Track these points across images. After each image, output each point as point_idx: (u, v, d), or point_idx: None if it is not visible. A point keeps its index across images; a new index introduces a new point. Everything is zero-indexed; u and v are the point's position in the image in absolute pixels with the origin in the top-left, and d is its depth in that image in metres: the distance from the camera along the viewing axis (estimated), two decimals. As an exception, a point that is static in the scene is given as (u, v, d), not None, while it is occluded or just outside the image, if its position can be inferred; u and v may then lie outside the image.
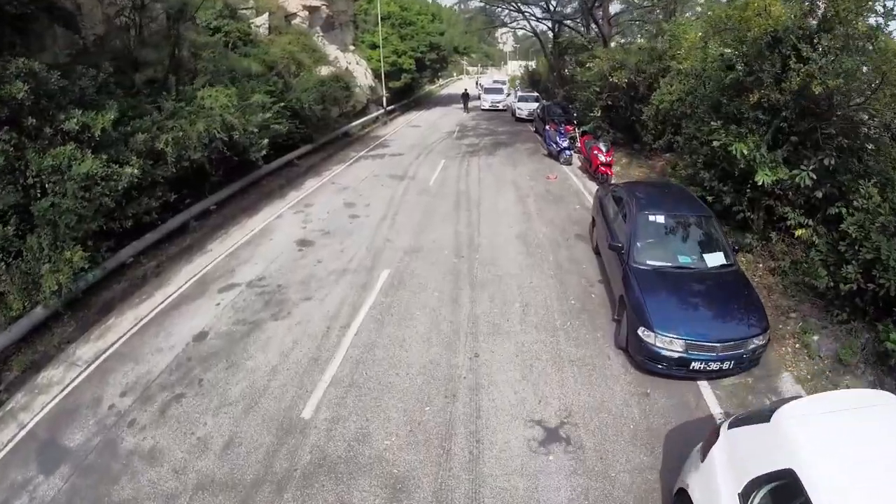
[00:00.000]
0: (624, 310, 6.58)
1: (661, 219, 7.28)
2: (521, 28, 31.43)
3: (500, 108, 35.13)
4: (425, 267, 9.08)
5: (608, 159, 14.34)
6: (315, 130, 20.71)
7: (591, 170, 14.99)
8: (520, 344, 6.79)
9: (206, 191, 13.50)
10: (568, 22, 29.41)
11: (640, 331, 5.98)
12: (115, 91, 10.69)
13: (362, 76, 31.15)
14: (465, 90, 36.61)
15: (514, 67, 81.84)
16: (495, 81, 48.51)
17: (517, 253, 9.55)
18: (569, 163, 17.18)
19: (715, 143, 9.01)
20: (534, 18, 31.49)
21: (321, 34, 29.27)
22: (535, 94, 31.32)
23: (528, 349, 6.70)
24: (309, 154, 20.21)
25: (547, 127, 20.06)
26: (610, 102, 17.58)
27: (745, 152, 8.39)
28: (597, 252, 9.27)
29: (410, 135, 24.96)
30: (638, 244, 6.96)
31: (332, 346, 7.01)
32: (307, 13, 27.11)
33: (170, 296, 9.00)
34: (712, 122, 9.29)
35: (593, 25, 24.72)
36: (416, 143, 22.21)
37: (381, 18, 32.92)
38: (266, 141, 14.54)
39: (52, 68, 8.74)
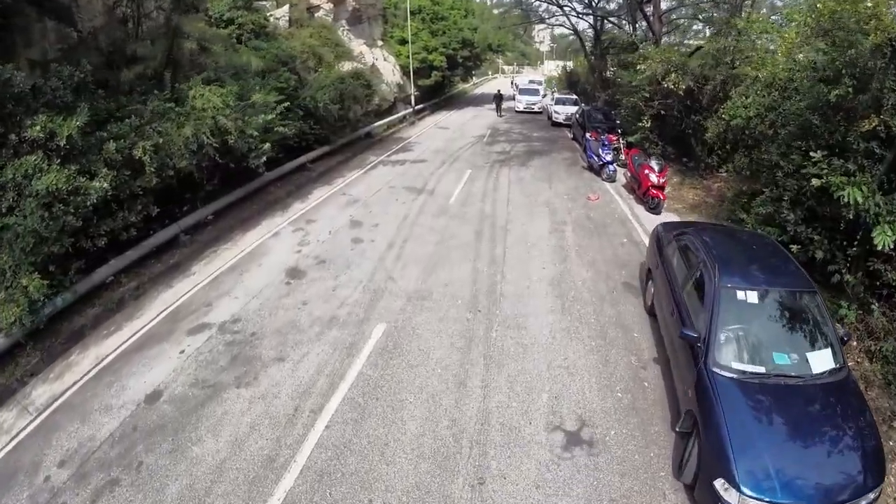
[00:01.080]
0: (692, 427, 4.63)
1: (753, 296, 5.17)
2: (559, 24, 28.85)
3: (536, 110, 32.97)
4: (431, 324, 7.26)
5: (661, 181, 12.21)
6: (332, 131, 19.17)
7: (640, 192, 12.87)
8: (544, 466, 4.90)
9: (199, 201, 12.06)
10: (612, 19, 26.96)
11: (718, 484, 4.05)
12: (95, 91, 9.25)
13: (390, 73, 29.56)
14: (499, 91, 33.64)
15: (551, 67, 79.02)
16: (531, 81, 46.20)
17: (549, 310, 7.62)
18: (612, 179, 15.07)
19: (815, 182, 6.89)
20: (574, 14, 28.87)
21: (346, 28, 27.77)
22: (574, 96, 29.03)
23: (555, 477, 4.82)
24: (324, 157, 18.70)
25: (587, 135, 17.94)
26: (662, 111, 15.37)
27: (860, 199, 6.28)
28: (651, 313, 7.25)
29: (437, 137, 23.16)
30: (721, 336, 4.91)
31: (296, 440, 5.30)
32: (331, 5, 25.59)
33: (137, 331, 7.74)
34: (811, 153, 7.16)
35: (641, 22, 22.29)
36: (442, 147, 20.39)
37: (412, 12, 31.23)
38: (268, 146, 12.94)
39: (37, 66, 7.44)
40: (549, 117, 29.06)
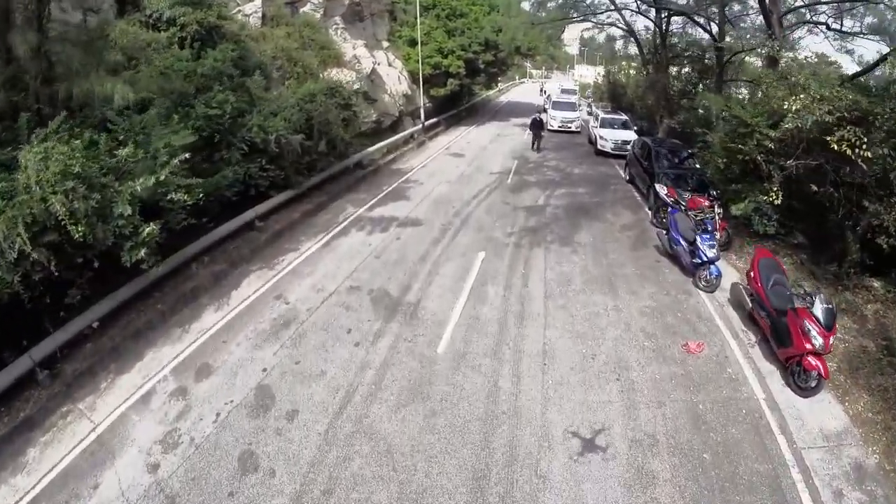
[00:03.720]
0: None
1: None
2: (608, 23, 22.22)
3: (573, 129, 26.99)
4: None
5: (827, 345, 6.34)
6: (297, 170, 13.74)
7: (782, 352, 6.92)
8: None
9: (66, 314, 6.82)
10: (680, 15, 20.38)
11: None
12: None
13: (395, 81, 24.01)
14: (538, 115, 22.31)
15: (583, 72, 72.41)
16: (564, 90, 39.95)
17: None
18: (712, 287, 9.22)
19: None
20: (632, 9, 21.94)
21: (341, 26, 22.30)
22: (623, 116, 22.86)
23: None
24: (289, 205, 13.39)
25: (660, 189, 12.18)
26: (796, 174, 9.47)
27: None
28: None
29: (446, 172, 17.43)
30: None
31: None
32: (319, -2, 20.04)
33: None
34: None
35: (745, 21, 16.08)
36: (449, 194, 14.63)
37: (425, 8, 25.60)
38: (152, 229, 7.48)
39: None
40: (591, 140, 23.13)
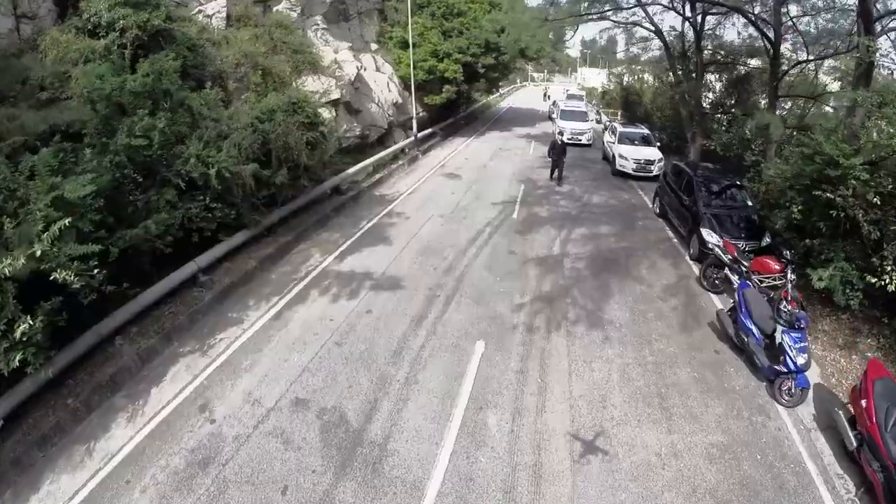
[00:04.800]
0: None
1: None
2: (631, 22, 19.07)
3: (584, 142, 24.26)
4: None
5: None
6: (252, 207, 11.07)
7: None
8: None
9: None
10: (710, 20, 17.44)
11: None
12: None
13: (383, 88, 21.31)
14: (558, 139, 17.82)
15: (587, 75, 69.49)
16: (570, 96, 37.17)
17: None
18: (796, 401, 6.54)
19: None
20: (662, 4, 18.34)
21: (321, 27, 19.59)
22: (644, 130, 19.97)
23: None
24: (243, 249, 10.85)
25: (711, 238, 9.63)
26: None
27: None
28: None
29: (438, 202, 14.71)
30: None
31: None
32: (292, -6, 17.29)
33: None
34: None
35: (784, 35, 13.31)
36: (439, 238, 11.87)
37: (419, 6, 22.90)
38: (24, 327, 5.28)
39: None
40: (607, 157, 20.43)
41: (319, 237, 12.04)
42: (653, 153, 17.76)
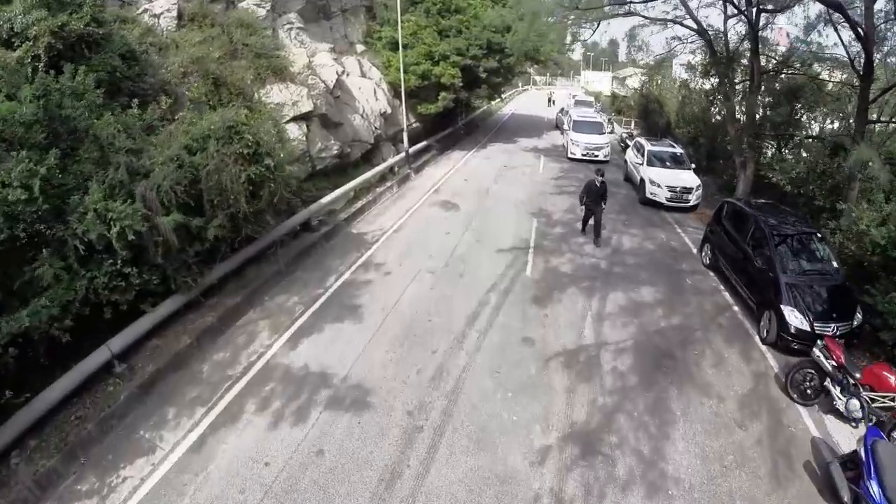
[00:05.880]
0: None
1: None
2: (669, 19, 15.50)
3: (601, 158, 21.31)
4: None
5: None
6: (183, 266, 8.15)
7: None
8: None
9: None
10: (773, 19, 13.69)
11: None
12: None
13: (370, 96, 18.36)
14: (597, 179, 11.83)
15: (591, 79, 66.55)
16: (577, 102, 34.22)
17: None
18: None
19: None
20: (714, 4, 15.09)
21: (297, 25, 16.63)
22: (677, 148, 16.80)
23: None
24: (177, 318, 8.18)
25: (800, 324, 7.08)
26: None
27: None
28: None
29: (428, 247, 11.70)
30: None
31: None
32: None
33: None
34: None
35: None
36: (426, 313, 8.75)
37: (411, 2, 19.98)
38: None
39: None
40: (630, 178, 17.51)
41: (273, 301, 9.09)
42: (691, 179, 14.81)
